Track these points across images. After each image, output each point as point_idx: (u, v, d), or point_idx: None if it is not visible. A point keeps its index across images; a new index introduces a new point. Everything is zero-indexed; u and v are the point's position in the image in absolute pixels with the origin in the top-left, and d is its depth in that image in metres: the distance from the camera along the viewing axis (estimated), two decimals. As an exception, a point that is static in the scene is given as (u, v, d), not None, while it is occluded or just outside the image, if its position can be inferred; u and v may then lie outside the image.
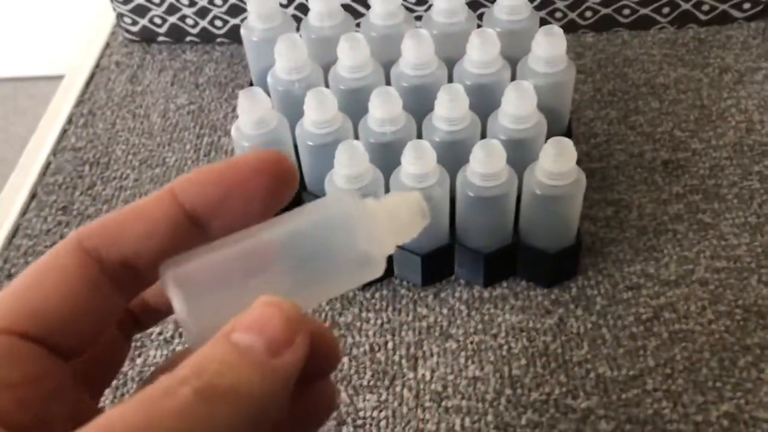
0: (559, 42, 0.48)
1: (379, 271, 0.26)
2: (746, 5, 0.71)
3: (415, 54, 0.48)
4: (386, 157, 0.48)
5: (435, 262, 0.50)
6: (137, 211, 0.22)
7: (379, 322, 0.49)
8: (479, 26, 0.51)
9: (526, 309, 0.49)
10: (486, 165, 0.45)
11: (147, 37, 0.75)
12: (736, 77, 0.66)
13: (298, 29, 0.54)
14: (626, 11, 0.71)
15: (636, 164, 0.59)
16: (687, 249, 0.52)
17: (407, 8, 0.66)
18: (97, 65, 0.73)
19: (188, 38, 0.74)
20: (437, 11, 0.51)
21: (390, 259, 0.51)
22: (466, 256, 0.50)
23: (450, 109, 0.47)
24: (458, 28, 0.51)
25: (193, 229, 0.23)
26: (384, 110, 0.47)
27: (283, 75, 0.50)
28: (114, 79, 0.71)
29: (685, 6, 0.70)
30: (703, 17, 0.71)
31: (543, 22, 0.71)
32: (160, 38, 0.75)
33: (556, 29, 0.48)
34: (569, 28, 0.72)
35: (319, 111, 0.47)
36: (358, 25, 0.55)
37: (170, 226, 0.22)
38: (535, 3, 0.70)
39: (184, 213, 0.22)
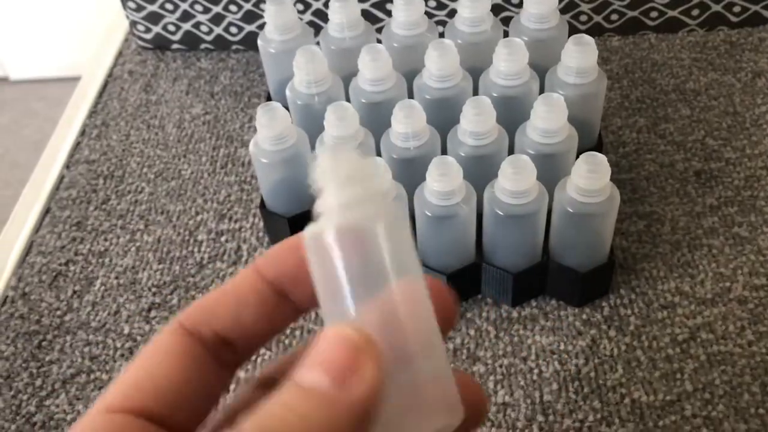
0: (591, 51, 0.46)
1: None
2: (779, 6, 0.68)
3: (439, 65, 0.46)
4: (410, 172, 0.46)
5: (461, 282, 0.48)
6: (228, 289, 0.24)
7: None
8: (506, 34, 0.49)
9: (557, 330, 0.47)
10: (515, 182, 0.43)
11: (161, 44, 0.73)
12: (769, 82, 0.64)
13: (316, 39, 0.52)
14: (653, 14, 0.69)
15: (667, 175, 0.57)
16: (723, 265, 0.50)
17: (428, 14, 0.64)
18: (110, 74, 0.72)
19: (203, 45, 0.73)
20: (461, 20, 0.49)
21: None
22: (494, 275, 0.48)
23: (476, 122, 0.45)
24: (484, 37, 0.49)
25: (279, 299, 0.24)
26: (407, 124, 0.45)
27: (302, 88, 0.48)
28: (128, 89, 0.70)
29: (716, 8, 0.68)
30: (734, 19, 0.69)
31: (568, 26, 0.69)
32: (174, 46, 0.73)
33: (586, 38, 0.46)
34: (595, 31, 0.70)
35: (340, 126, 0.45)
36: (379, 33, 0.53)
37: (258, 299, 0.23)
38: (560, 5, 0.68)
39: (269, 286, 0.24)
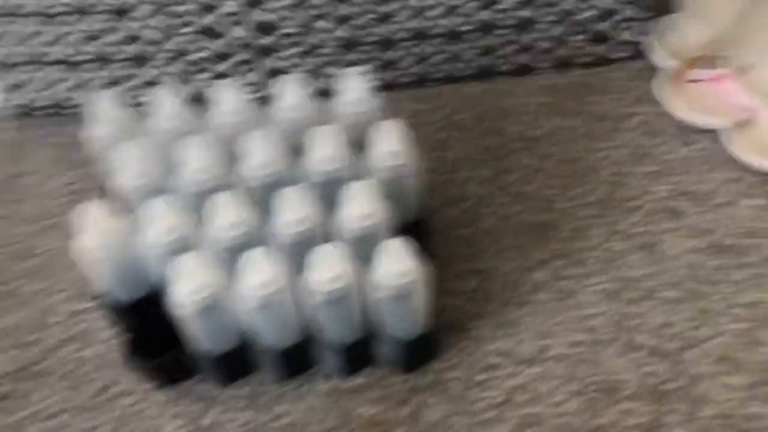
0: (397, 137, 0.48)
1: None
2: (625, 46, 0.71)
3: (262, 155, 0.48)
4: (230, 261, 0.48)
5: (294, 357, 0.50)
6: None
7: (240, 423, 0.50)
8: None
9: (384, 399, 0.50)
10: (326, 271, 0.45)
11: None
12: (611, 125, 0.67)
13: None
14: (503, 62, 0.71)
15: (504, 229, 0.59)
16: (544, 322, 0.53)
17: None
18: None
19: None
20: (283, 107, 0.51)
21: (246, 355, 0.51)
22: (324, 349, 0.50)
23: (292, 211, 0.47)
24: (304, 124, 0.51)
25: None
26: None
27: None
28: (-8, 160, 0.70)
29: (565, 51, 0.71)
30: (584, 59, 0.72)
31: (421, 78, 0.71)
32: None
33: (392, 125, 0.48)
34: (450, 79, 0.72)
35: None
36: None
37: None
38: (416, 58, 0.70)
39: None
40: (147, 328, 0.52)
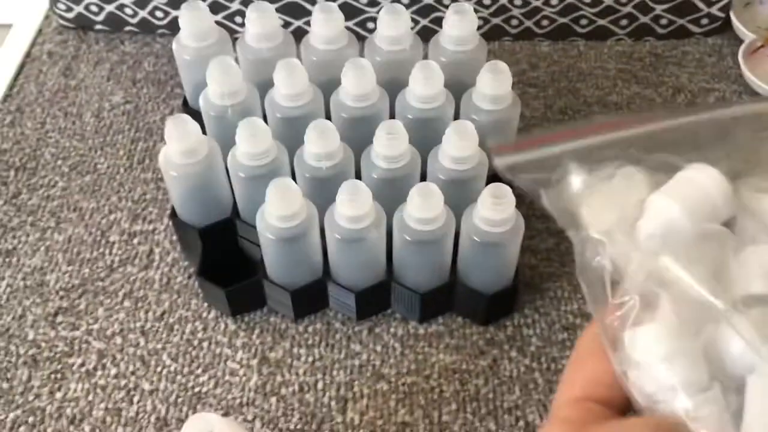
0: (504, 79, 0.46)
1: None
2: (704, 21, 0.69)
3: (356, 84, 0.46)
4: (322, 191, 0.46)
5: (370, 299, 0.49)
6: None
7: (310, 359, 0.48)
8: (426, 54, 0.49)
9: (461, 349, 0.49)
10: (422, 210, 0.43)
11: (83, 24, 0.70)
12: (689, 98, 0.65)
13: (234, 46, 0.51)
14: (583, 21, 0.69)
15: (582, 191, 0.58)
16: (625, 288, 0.52)
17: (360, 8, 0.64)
18: (28, 54, 0.69)
19: (127, 28, 0.70)
20: (381, 38, 0.49)
21: (324, 291, 0.49)
22: (403, 293, 0.48)
23: (389, 146, 0.45)
24: (403, 56, 0.49)
25: None
26: (320, 145, 0.45)
27: (215, 100, 0.47)
28: (46, 71, 0.67)
29: (644, 19, 0.69)
30: (660, 31, 0.70)
31: (498, 29, 0.69)
32: (97, 26, 0.70)
33: (501, 66, 0.46)
34: (525, 35, 0.70)
35: (252, 143, 0.45)
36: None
37: None
38: (491, 10, 0.67)
39: None
40: (222, 254, 0.50)
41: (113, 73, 0.67)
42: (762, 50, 0.67)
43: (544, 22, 0.69)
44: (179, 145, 0.45)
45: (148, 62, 0.68)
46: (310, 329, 0.50)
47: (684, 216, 0.26)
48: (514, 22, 0.69)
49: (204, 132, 0.47)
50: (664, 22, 0.69)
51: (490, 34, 0.69)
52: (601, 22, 0.69)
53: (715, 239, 0.26)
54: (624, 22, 0.69)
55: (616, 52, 0.70)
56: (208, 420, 0.34)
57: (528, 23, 0.69)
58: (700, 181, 0.27)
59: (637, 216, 0.27)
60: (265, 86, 0.49)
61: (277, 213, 0.43)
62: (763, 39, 0.67)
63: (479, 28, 0.68)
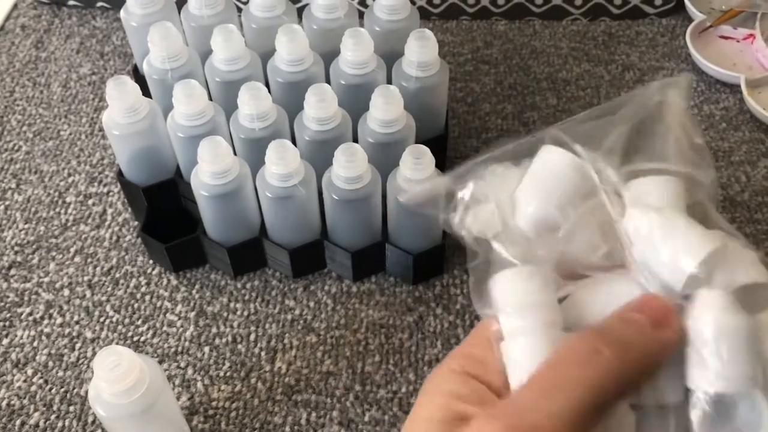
0: (431, 45, 0.48)
1: None
2: (658, 1, 0.71)
3: (289, 49, 0.48)
4: (256, 153, 0.48)
5: (304, 257, 0.51)
6: None
7: (245, 313, 0.51)
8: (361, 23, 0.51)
9: (390, 306, 0.51)
10: (347, 169, 0.46)
11: (57, 0, 0.73)
12: (637, 75, 0.67)
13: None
14: (539, 1, 0.71)
15: (522, 162, 0.60)
16: (554, 252, 0.54)
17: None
18: (2, 28, 0.72)
19: (99, 4, 0.73)
20: (316, 6, 0.51)
21: (262, 251, 0.52)
22: (336, 252, 0.51)
23: (319, 108, 0.47)
24: (337, 24, 0.51)
25: None
26: (253, 106, 0.47)
27: (157, 63, 0.50)
28: (18, 44, 0.70)
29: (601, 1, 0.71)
30: (615, 11, 0.72)
31: (456, 8, 0.71)
32: (71, 2, 0.73)
33: (427, 33, 0.48)
34: (482, 15, 0.72)
35: (188, 104, 0.47)
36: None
37: None
38: (447, -11, 0.69)
39: None
40: (163, 212, 0.53)
41: (83, 47, 0.70)
42: (710, 30, 0.68)
43: (501, 1, 0.71)
44: (120, 104, 0.47)
45: (117, 36, 0.71)
46: (248, 286, 0.52)
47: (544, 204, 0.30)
48: (471, 1, 0.71)
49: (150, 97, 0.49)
50: (618, 2, 0.71)
51: (449, 12, 0.71)
52: (556, 2, 0.71)
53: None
54: (579, 1, 0.71)
55: (570, 31, 0.71)
56: (118, 352, 0.36)
57: (484, 2, 0.71)
58: (554, 162, 0.30)
59: (511, 211, 0.31)
60: (268, 55, 0.51)
61: (209, 170, 0.46)
62: (713, 20, 0.68)
63: (436, 6, 0.71)
